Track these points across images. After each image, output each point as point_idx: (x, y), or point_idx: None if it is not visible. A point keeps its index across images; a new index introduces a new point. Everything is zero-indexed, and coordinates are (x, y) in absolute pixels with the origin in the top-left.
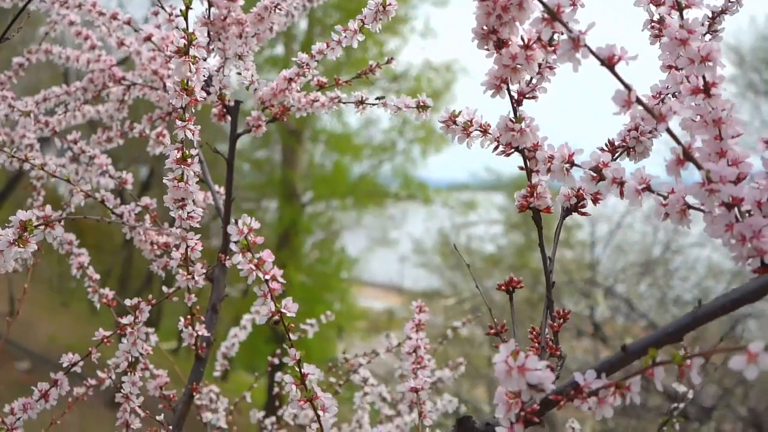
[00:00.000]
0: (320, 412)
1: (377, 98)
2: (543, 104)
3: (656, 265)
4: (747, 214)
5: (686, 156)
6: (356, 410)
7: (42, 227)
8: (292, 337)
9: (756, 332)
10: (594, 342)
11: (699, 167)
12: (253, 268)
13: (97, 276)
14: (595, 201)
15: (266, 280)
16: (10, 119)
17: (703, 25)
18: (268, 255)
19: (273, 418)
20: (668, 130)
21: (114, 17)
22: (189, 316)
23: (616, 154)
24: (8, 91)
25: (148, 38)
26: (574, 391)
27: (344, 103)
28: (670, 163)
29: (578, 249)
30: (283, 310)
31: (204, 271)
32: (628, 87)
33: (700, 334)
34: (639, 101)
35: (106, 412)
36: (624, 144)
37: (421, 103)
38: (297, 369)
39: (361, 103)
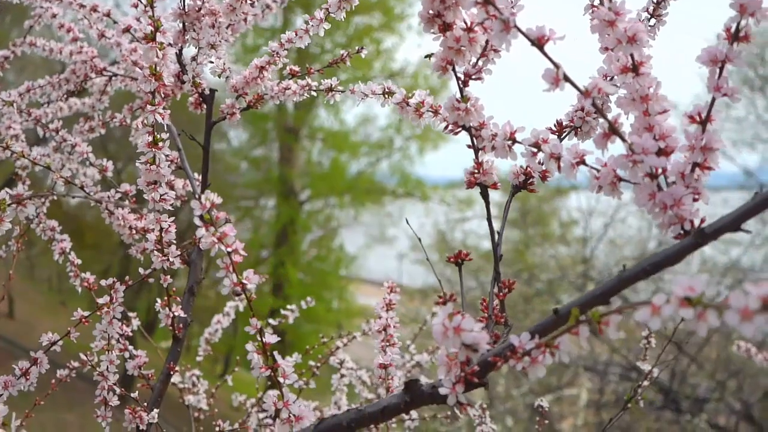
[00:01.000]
0: (281, 379)
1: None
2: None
3: None
4: (673, 185)
5: (612, 130)
6: (334, 392)
7: (14, 206)
8: (273, 321)
9: None
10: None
11: (623, 140)
12: (216, 241)
13: (78, 261)
14: (543, 178)
15: (228, 253)
16: None
17: (647, 10)
18: (230, 229)
19: (253, 400)
20: (594, 105)
21: (94, 9)
22: (165, 298)
23: (564, 134)
24: None
25: (127, 30)
26: (510, 353)
27: (315, 91)
28: (597, 137)
29: (574, 246)
30: (244, 281)
31: (178, 252)
32: (556, 65)
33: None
34: (566, 78)
35: None
36: (571, 124)
37: (387, 90)
38: (259, 338)
39: (330, 90)
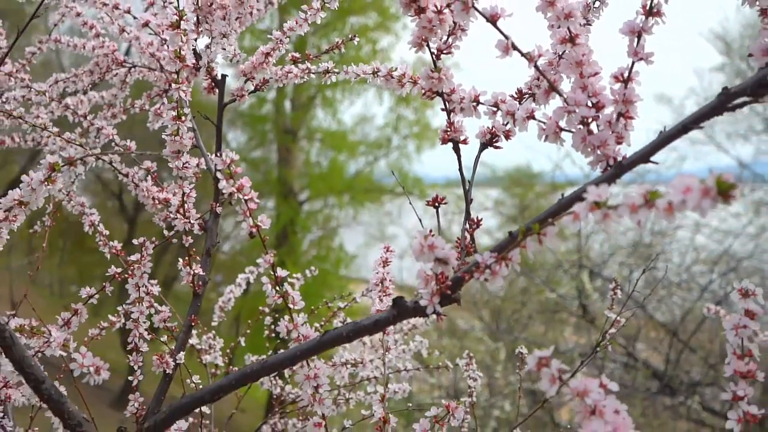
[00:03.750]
0: (291, 305)
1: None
2: None
3: (644, 248)
4: (602, 131)
5: (551, 87)
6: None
7: (67, 167)
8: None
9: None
10: (585, 324)
11: (560, 95)
12: (235, 191)
13: (106, 232)
14: (507, 137)
15: (245, 200)
16: (26, 100)
17: None
18: (246, 181)
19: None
20: (536, 68)
21: (116, 7)
22: (187, 258)
23: (524, 99)
24: (24, 74)
25: (146, 24)
26: (475, 268)
27: (313, 74)
28: (540, 93)
29: (573, 240)
30: (258, 223)
31: (198, 215)
32: (506, 37)
33: (687, 313)
34: (515, 47)
35: (110, 412)
36: (529, 91)
37: (375, 70)
38: (272, 272)
39: (327, 72)
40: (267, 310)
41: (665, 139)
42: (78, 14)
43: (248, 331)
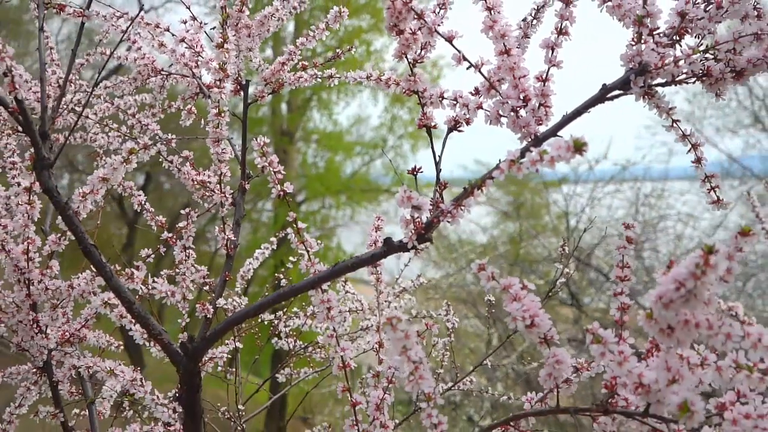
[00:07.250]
0: (309, 249)
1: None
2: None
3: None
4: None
5: (491, 86)
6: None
7: (142, 150)
8: (302, 230)
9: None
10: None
11: (497, 91)
12: (267, 165)
13: (152, 209)
14: (467, 123)
15: (275, 172)
16: (78, 102)
17: (531, 13)
18: (275, 157)
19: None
20: (480, 72)
21: (157, 26)
22: (222, 225)
23: (479, 95)
24: (80, 81)
25: (182, 39)
26: (441, 213)
27: (320, 78)
28: (483, 89)
29: (566, 235)
30: (284, 188)
31: (232, 191)
32: (459, 51)
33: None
34: (464, 58)
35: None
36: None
37: (369, 75)
38: (295, 225)
39: (331, 77)
40: (282, 276)
41: (566, 120)
42: (123, 31)
43: (266, 294)
